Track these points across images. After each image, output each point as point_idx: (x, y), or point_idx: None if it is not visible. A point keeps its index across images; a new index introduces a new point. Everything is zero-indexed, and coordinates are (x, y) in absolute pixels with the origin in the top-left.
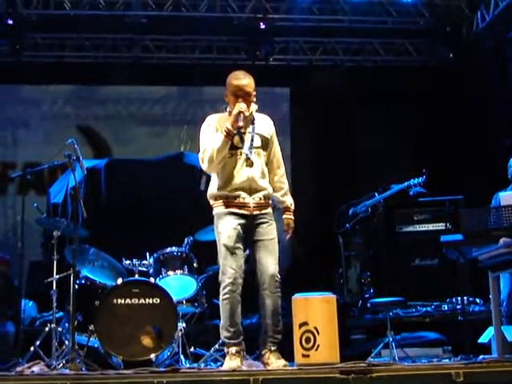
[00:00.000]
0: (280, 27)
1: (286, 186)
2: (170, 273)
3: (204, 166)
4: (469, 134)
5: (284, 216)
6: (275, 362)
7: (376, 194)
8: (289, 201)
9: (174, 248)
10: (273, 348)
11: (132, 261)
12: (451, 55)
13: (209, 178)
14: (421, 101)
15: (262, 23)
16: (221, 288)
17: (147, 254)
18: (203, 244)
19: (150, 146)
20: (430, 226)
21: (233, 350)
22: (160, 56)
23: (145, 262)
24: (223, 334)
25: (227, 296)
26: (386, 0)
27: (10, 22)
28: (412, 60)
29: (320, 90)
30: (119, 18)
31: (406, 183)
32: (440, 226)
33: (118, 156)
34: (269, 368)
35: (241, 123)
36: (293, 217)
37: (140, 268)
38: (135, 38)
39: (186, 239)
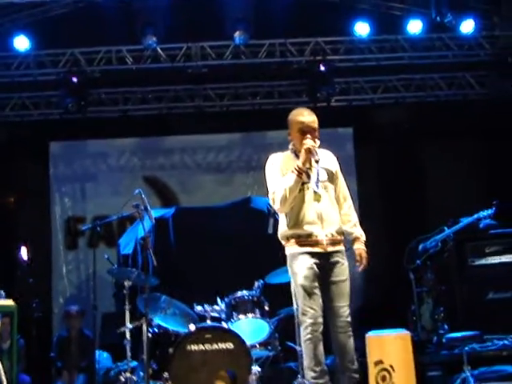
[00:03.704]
0: (340, 68)
1: (353, 218)
2: (242, 317)
3: (276, 207)
4: None
5: (355, 247)
6: None
7: (446, 229)
8: (358, 232)
9: (244, 292)
10: None
11: (203, 306)
12: None
13: (276, 220)
14: (486, 133)
15: (321, 65)
16: (302, 328)
17: (218, 299)
18: (274, 287)
19: (216, 194)
20: (503, 258)
21: None
22: (222, 104)
23: (216, 307)
24: (309, 374)
25: (309, 336)
26: (445, 34)
27: (75, 79)
28: (475, 93)
29: (383, 127)
30: (180, 70)
31: (475, 216)
32: None
33: (184, 205)
34: None
35: (317, 157)
36: (364, 247)
37: (212, 313)
38: (197, 87)
39: (256, 283)
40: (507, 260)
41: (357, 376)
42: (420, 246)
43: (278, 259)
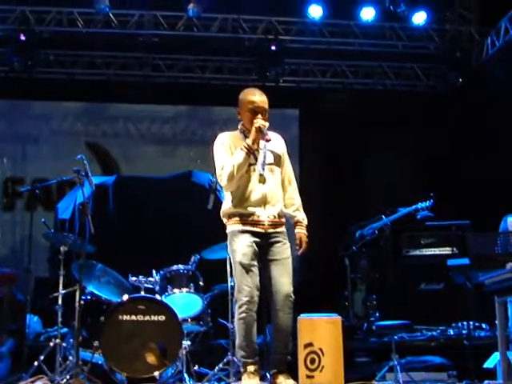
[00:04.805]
0: (291, 49)
1: (297, 201)
2: (176, 290)
3: (223, 183)
4: (476, 158)
5: (296, 230)
6: (284, 382)
7: (383, 217)
8: (300, 216)
9: (180, 266)
10: (282, 368)
11: (138, 277)
12: (460, 80)
13: (217, 196)
14: (429, 125)
15: (272, 44)
16: (236, 306)
17: (153, 271)
18: (210, 262)
19: (158, 165)
20: (437, 250)
21: (251, 368)
22: (170, 75)
23: (151, 279)
24: (239, 353)
25: (244, 315)
26: (397, 24)
27: (23, 38)
28: (421, 84)
29: (329, 111)
30: (131, 37)
31: (413, 207)
32: (447, 250)
33: (125, 174)
34: None
35: (268, 136)
36: (305, 231)
37: (146, 285)
38: (146, 56)
39: (192, 257)
40: (441, 252)
41: (289, 357)
42: (357, 233)
43: (216, 235)
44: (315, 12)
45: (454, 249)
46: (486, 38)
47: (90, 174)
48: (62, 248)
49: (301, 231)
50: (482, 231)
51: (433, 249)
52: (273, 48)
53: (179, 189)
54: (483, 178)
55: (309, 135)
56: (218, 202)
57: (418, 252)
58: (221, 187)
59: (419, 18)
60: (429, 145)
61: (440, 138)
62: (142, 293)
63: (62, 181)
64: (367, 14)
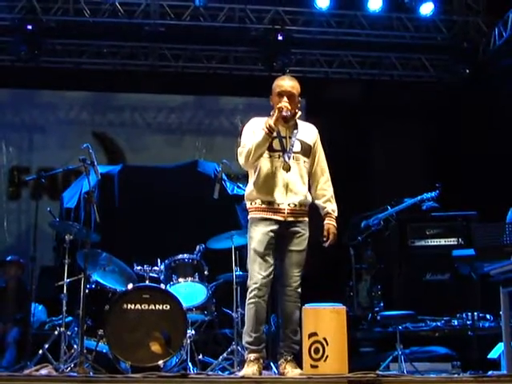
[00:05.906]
0: (297, 39)
1: (328, 192)
2: (181, 280)
3: (241, 161)
4: (483, 149)
5: (325, 221)
6: (291, 372)
7: (389, 207)
8: (330, 207)
9: (185, 255)
10: (289, 358)
11: (143, 266)
12: (467, 71)
13: (223, 186)
14: (436, 116)
15: (279, 34)
16: (248, 293)
17: (158, 260)
18: (215, 252)
19: (164, 155)
20: (443, 241)
21: (251, 356)
22: (177, 65)
23: (156, 268)
24: (245, 339)
25: (253, 301)
26: (404, 15)
27: (30, 27)
28: (428, 75)
29: (336, 102)
30: (138, 26)
31: (419, 197)
32: (452, 240)
33: (131, 163)
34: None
35: (284, 113)
36: (334, 223)
37: (151, 274)
38: (153, 46)
39: (197, 247)
40: (446, 243)
41: (296, 347)
42: (362, 223)
43: (221, 225)
44: (322, 2)
45: (460, 239)
46: (494, 28)
47: (95, 163)
48: (67, 237)
49: (330, 223)
50: (488, 222)
51: (438, 239)
52: (279, 38)
53: (185, 178)
54: (489, 168)
55: (315, 125)
56: (224, 192)
57: (423, 242)
58: (227, 176)
59: (426, 8)
60: (435, 135)
61: (447, 128)
62: (147, 282)
63: (68, 170)
64: (374, 4)
